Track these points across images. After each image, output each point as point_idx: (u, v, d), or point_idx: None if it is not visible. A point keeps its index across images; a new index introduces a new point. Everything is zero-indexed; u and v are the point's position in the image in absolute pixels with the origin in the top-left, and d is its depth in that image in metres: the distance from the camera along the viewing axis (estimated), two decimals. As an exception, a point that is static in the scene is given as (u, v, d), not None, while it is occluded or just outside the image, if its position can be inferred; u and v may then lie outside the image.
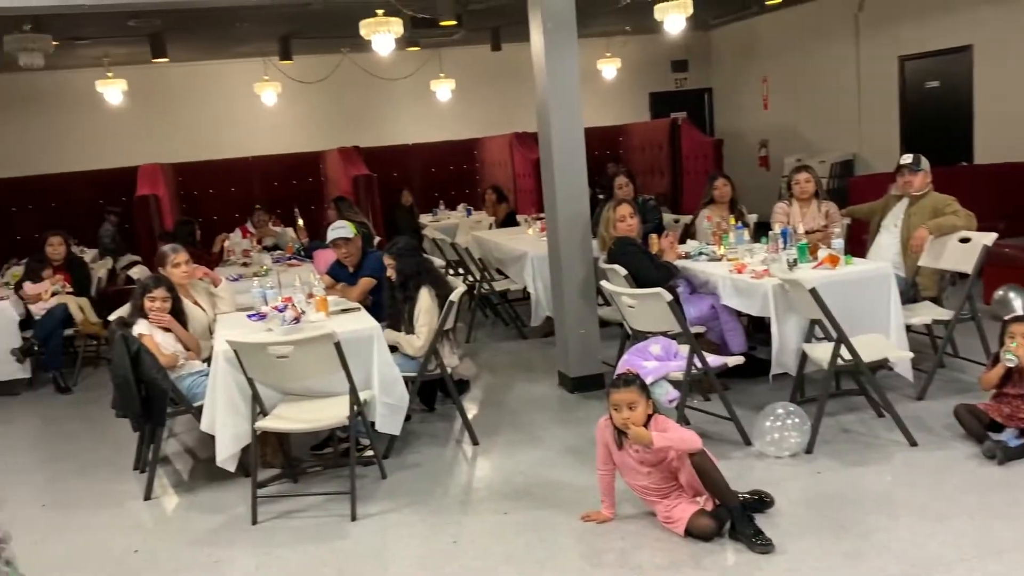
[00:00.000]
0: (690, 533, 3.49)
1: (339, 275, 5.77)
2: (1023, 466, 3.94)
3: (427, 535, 3.81)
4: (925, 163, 5.47)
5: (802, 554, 3.34)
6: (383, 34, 7.97)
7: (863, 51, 10.99)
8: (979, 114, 9.36)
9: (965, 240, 5.09)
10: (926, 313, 5.16)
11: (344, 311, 5.00)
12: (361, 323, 4.61)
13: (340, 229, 5.64)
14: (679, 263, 5.47)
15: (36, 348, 6.80)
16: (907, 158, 5.52)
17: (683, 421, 4.40)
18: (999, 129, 9.04)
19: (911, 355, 4.62)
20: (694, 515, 3.49)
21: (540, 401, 5.59)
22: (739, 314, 5.26)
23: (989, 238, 4.96)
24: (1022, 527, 3.41)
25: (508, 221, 9.48)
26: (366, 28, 7.97)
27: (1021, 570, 3.12)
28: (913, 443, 4.28)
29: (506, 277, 7.52)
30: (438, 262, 6.02)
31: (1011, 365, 4.08)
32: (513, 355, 6.82)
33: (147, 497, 4.47)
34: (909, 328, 4.96)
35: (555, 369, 5.95)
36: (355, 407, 4.11)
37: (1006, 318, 4.29)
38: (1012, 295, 6.30)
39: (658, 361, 4.34)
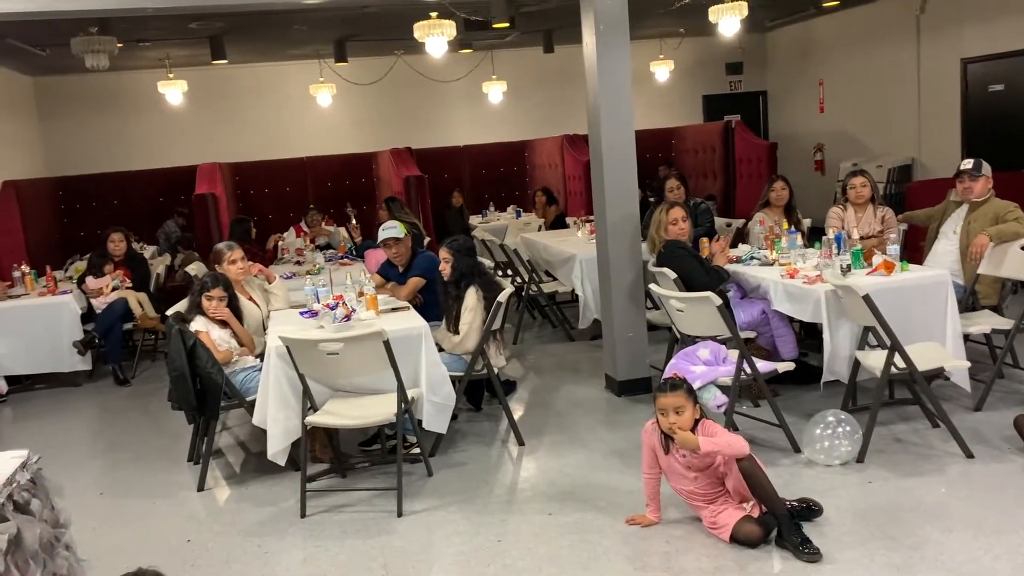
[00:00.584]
0: (736, 539, 3.46)
1: (389, 274, 5.84)
2: (1085, 481, 3.83)
3: (472, 533, 3.84)
4: (987, 168, 5.34)
5: (850, 564, 3.29)
6: (436, 36, 8.05)
7: (924, 53, 10.74)
8: (1045, 119, 9.11)
9: (1028, 247, 4.96)
10: (985, 322, 5.04)
11: (393, 310, 5.06)
12: (410, 322, 4.66)
13: (390, 229, 5.71)
14: (730, 267, 5.42)
15: (97, 341, 7.02)
16: (968, 163, 5.39)
17: (731, 426, 4.36)
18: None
19: (968, 364, 4.51)
20: (740, 521, 3.47)
21: (586, 403, 5.59)
22: (790, 320, 5.20)
23: (1053, 246, 4.83)
24: (1082, 544, 3.31)
25: (557, 223, 9.48)
26: (420, 30, 8.06)
27: (1080, 588, 3.04)
28: (969, 455, 4.17)
29: (554, 279, 7.53)
30: (487, 263, 6.06)
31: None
32: (560, 357, 6.82)
33: (200, 488, 4.59)
34: (967, 337, 4.85)
35: (602, 372, 5.94)
36: (403, 405, 4.16)
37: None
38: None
39: (707, 366, 4.31)
